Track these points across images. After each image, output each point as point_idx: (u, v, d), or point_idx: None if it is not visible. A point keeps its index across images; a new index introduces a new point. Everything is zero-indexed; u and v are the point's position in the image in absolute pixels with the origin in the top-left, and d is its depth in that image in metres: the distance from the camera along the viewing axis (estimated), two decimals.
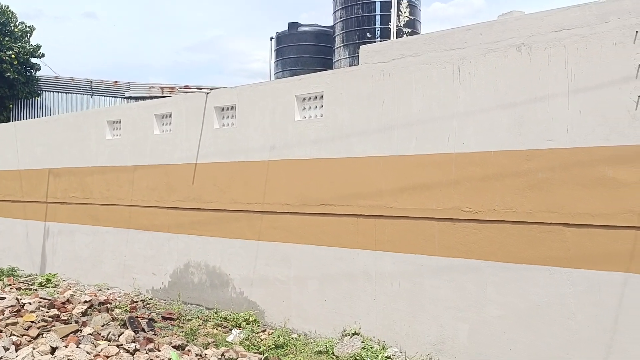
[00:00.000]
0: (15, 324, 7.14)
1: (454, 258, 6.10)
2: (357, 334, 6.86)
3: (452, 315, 6.11)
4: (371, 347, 6.55)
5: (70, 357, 6.01)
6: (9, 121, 18.65)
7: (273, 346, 6.98)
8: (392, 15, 12.82)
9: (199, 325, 7.92)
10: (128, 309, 8.65)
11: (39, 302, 8.34)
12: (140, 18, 72.46)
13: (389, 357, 6.39)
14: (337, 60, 16.74)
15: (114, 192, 10.44)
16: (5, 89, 18.81)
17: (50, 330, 6.99)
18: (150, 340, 6.84)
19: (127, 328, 7.29)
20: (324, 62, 17.43)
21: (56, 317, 7.73)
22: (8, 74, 18.38)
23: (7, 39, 18.60)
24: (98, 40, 67.32)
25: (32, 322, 7.31)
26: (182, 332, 7.65)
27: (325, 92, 7.33)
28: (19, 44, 18.89)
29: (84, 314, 8.15)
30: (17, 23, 19.48)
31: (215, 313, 8.40)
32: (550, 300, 5.44)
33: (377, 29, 15.94)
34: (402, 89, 6.53)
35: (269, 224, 7.96)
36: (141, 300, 9.43)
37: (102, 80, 21.67)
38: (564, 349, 5.35)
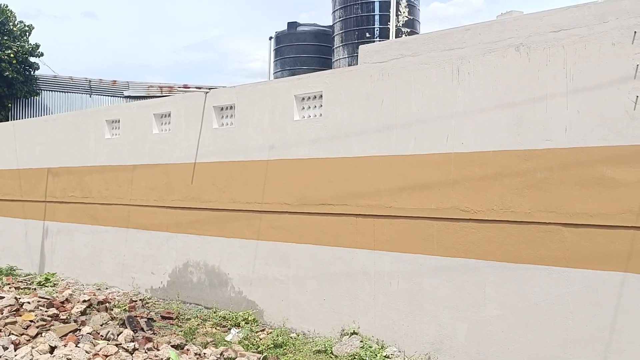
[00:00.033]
0: (14, 323, 7.14)
1: (452, 258, 6.11)
2: (356, 334, 6.86)
3: (451, 314, 6.12)
4: (370, 347, 6.55)
5: (69, 356, 6.01)
6: (8, 120, 18.63)
7: (272, 345, 6.99)
8: (391, 15, 12.82)
9: (197, 324, 7.93)
10: (127, 308, 8.65)
11: (38, 301, 8.34)
12: (140, 18, 72.43)
13: (388, 357, 6.40)
14: (336, 60, 16.76)
15: (113, 191, 10.44)
16: (4, 88, 18.80)
17: (49, 330, 6.99)
18: (149, 340, 6.84)
19: (126, 327, 7.30)
20: (323, 62, 17.45)
21: (55, 317, 7.73)
22: (7, 73, 18.36)
23: (5, 38, 18.58)
24: (97, 40, 67.31)
25: (31, 321, 7.31)
26: (181, 331, 7.65)
27: (325, 92, 7.34)
28: (18, 43, 18.87)
29: (83, 313, 8.15)
30: (16, 22, 19.47)
31: (214, 312, 8.40)
32: (548, 299, 5.45)
33: (376, 29, 15.97)
34: (401, 88, 6.54)
35: (268, 223, 7.97)
36: (140, 300, 9.44)
37: (101, 80, 21.67)
38: (563, 348, 5.36)
